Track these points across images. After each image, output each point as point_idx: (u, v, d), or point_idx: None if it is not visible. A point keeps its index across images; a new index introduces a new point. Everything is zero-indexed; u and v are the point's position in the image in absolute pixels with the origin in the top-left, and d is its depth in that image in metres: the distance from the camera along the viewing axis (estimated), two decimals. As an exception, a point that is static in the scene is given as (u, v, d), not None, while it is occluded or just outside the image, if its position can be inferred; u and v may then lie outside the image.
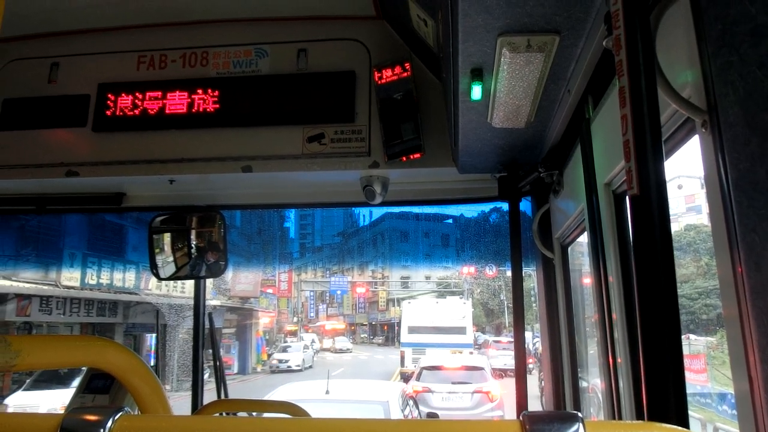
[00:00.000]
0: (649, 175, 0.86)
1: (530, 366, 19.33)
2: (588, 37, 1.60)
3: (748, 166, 0.85)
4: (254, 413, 3.01)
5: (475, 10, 1.47)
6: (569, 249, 2.75)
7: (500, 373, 18.55)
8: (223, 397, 3.09)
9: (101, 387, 2.67)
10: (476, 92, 1.89)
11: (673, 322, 0.85)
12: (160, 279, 3.34)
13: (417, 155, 2.69)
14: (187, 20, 3.00)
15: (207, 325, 3.45)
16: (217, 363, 3.13)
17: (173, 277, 3.38)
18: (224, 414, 3.03)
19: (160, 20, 3.00)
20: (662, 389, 0.85)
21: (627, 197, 0.91)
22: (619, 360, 1.80)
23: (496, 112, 2.06)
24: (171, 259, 3.40)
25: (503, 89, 1.86)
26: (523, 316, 2.85)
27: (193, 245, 3.35)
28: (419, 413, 10.31)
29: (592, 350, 2.71)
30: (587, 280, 2.54)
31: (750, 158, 0.84)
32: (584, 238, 2.25)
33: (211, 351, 3.44)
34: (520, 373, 2.66)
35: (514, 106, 2.01)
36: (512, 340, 2.83)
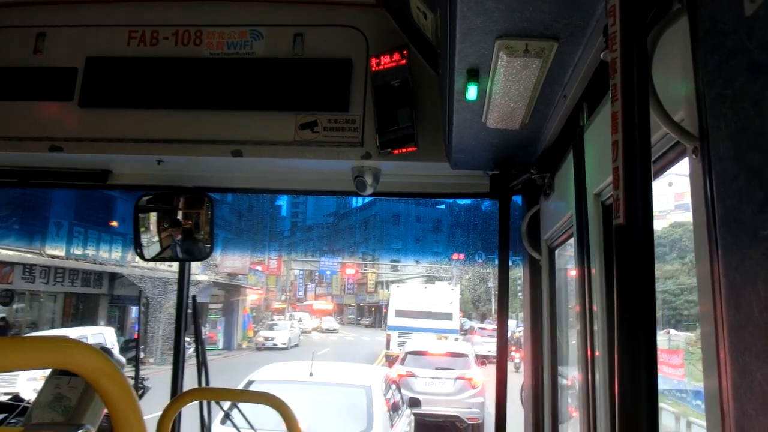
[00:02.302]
0: (637, 206, 0.84)
1: (517, 361, 19.51)
2: (586, 45, 1.57)
3: (735, 203, 0.84)
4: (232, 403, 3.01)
5: (474, 11, 1.44)
6: (556, 252, 2.74)
7: (483, 360, 18.69)
8: (203, 384, 3.08)
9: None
10: (471, 93, 1.86)
11: (650, 351, 0.84)
12: (144, 259, 3.31)
13: (411, 149, 2.66)
14: None
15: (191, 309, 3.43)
16: (200, 349, 3.11)
17: (157, 258, 3.35)
18: (203, 402, 3.03)
19: None
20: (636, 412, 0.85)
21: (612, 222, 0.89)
22: (597, 353, 1.81)
23: (490, 113, 2.03)
24: (156, 239, 3.36)
25: (499, 91, 1.84)
26: (507, 313, 2.86)
27: (179, 227, 3.31)
28: (402, 398, 10.40)
29: (572, 346, 2.73)
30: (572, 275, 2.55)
31: (737, 195, 0.83)
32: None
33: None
34: (502, 365, 2.71)
35: (509, 108, 1.99)
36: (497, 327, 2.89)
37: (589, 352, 1.81)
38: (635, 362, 0.84)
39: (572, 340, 2.70)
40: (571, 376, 2.79)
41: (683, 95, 1.06)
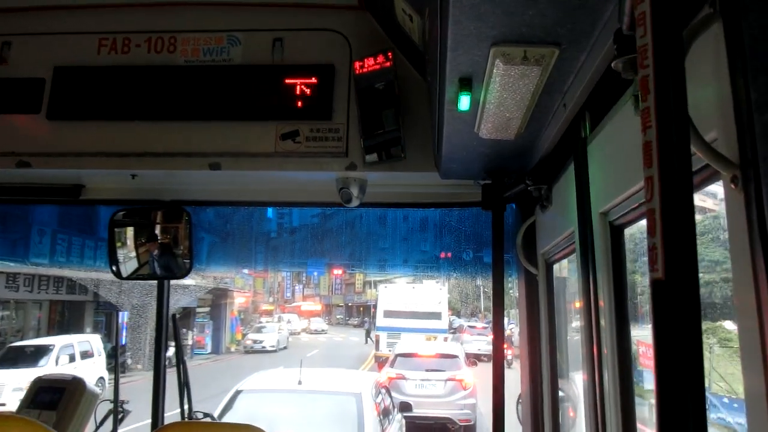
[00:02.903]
0: (680, 256, 0.71)
1: (509, 358, 19.44)
2: (591, 52, 1.44)
3: None
4: None
5: (468, 16, 1.30)
6: (554, 267, 2.62)
7: (474, 359, 18.62)
8: (185, 408, 2.92)
9: (48, 402, 2.50)
10: (464, 103, 1.72)
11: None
12: (120, 278, 3.15)
13: (396, 154, 2.51)
14: (153, 2, 2.77)
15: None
16: (181, 375, 2.94)
17: (134, 276, 3.20)
18: None
19: (124, 0, 2.77)
20: None
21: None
22: (605, 386, 1.68)
23: (484, 123, 1.90)
24: (133, 255, 3.21)
25: (494, 101, 1.70)
26: (503, 325, 2.74)
27: (156, 243, 3.15)
28: (392, 402, 10.27)
29: (572, 365, 2.61)
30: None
31: None
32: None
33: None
34: (497, 372, 2.60)
35: (504, 118, 1.85)
36: (486, 325, 2.76)
37: (597, 378, 1.68)
38: None
39: (572, 359, 2.58)
40: (569, 395, 2.68)
41: (716, 113, 0.93)
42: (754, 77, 0.82)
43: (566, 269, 2.70)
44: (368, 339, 42.11)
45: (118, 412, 3.28)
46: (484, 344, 28.27)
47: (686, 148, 0.73)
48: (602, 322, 1.68)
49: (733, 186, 0.89)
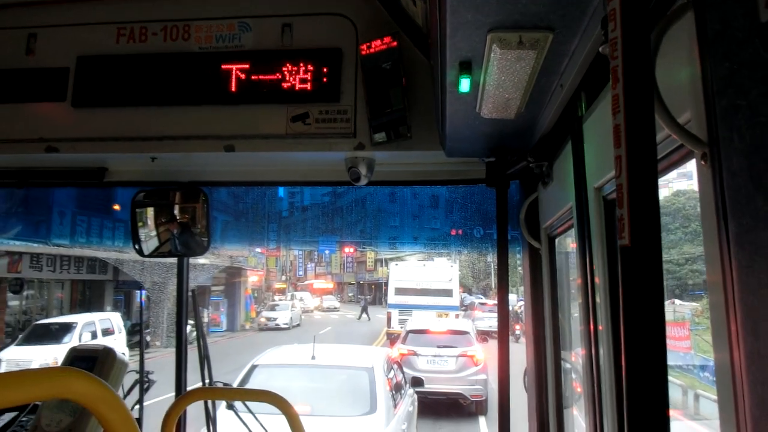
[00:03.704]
0: (644, 225, 0.82)
1: (518, 333, 19.58)
2: (583, 36, 1.53)
3: (750, 223, 0.81)
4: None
5: (464, 5, 1.40)
6: (556, 240, 2.72)
7: (485, 336, 18.82)
8: (206, 378, 3.09)
9: (83, 369, 2.64)
10: (464, 85, 1.82)
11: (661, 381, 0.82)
12: (142, 256, 3.29)
13: (403, 133, 2.61)
14: None
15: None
16: (201, 346, 3.11)
17: (155, 255, 3.34)
18: (206, 402, 3.04)
19: None
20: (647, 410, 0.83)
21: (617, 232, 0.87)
22: (601, 351, 1.79)
23: (485, 104, 1.99)
24: (154, 234, 3.35)
25: (493, 83, 1.80)
26: (507, 298, 2.85)
27: (175, 222, 3.29)
28: (404, 377, 10.48)
29: (575, 337, 2.73)
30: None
31: (753, 216, 0.80)
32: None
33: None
34: (504, 348, 2.72)
35: (503, 99, 1.95)
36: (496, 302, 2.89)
37: (593, 351, 1.80)
38: (645, 357, 0.81)
39: (575, 330, 2.70)
40: (574, 367, 2.80)
41: (689, 96, 1.03)
42: (716, 66, 0.91)
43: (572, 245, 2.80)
44: (363, 315, 42.32)
45: (143, 382, 3.46)
46: (495, 321, 28.33)
47: (651, 131, 0.84)
48: (598, 298, 1.78)
49: (703, 163, 0.98)
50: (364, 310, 43.38)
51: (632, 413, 0.82)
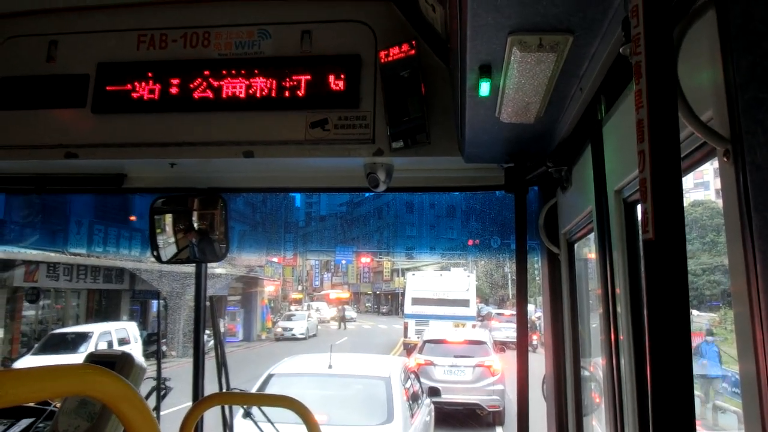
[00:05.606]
0: (668, 219, 0.80)
1: (534, 343, 19.37)
2: (603, 38, 1.52)
3: None
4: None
5: (485, 8, 1.39)
6: (575, 246, 2.69)
7: (502, 346, 18.65)
8: (224, 385, 3.09)
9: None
10: (484, 89, 1.82)
11: (686, 380, 0.80)
12: (161, 261, 3.32)
13: (421, 140, 2.60)
14: None
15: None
16: (219, 353, 3.11)
17: (174, 260, 3.36)
18: (223, 409, 3.04)
19: None
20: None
21: (638, 216, 0.85)
22: (622, 358, 1.76)
23: (504, 108, 1.98)
24: (172, 241, 3.37)
25: (512, 86, 1.79)
26: (526, 306, 2.82)
27: (194, 228, 3.31)
28: (421, 387, 10.42)
29: (594, 342, 2.69)
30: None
31: None
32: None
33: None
34: (522, 358, 2.68)
35: (523, 103, 1.94)
36: (514, 313, 2.84)
37: (614, 356, 1.77)
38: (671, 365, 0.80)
39: (594, 336, 2.66)
40: (594, 373, 2.75)
41: (711, 94, 1.01)
42: (738, 60, 0.90)
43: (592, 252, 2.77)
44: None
45: (160, 389, 3.47)
46: (512, 332, 28.07)
47: (674, 124, 0.82)
48: (618, 308, 1.75)
49: (725, 159, 0.97)
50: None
51: (657, 416, 0.80)
